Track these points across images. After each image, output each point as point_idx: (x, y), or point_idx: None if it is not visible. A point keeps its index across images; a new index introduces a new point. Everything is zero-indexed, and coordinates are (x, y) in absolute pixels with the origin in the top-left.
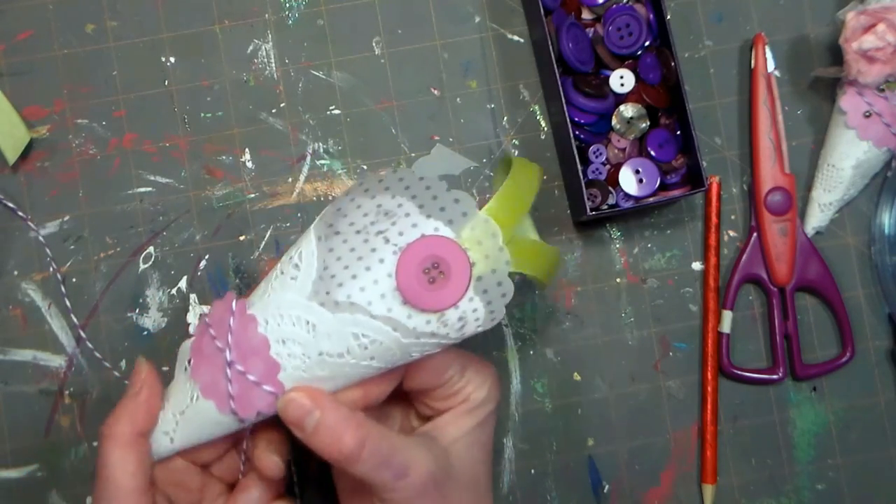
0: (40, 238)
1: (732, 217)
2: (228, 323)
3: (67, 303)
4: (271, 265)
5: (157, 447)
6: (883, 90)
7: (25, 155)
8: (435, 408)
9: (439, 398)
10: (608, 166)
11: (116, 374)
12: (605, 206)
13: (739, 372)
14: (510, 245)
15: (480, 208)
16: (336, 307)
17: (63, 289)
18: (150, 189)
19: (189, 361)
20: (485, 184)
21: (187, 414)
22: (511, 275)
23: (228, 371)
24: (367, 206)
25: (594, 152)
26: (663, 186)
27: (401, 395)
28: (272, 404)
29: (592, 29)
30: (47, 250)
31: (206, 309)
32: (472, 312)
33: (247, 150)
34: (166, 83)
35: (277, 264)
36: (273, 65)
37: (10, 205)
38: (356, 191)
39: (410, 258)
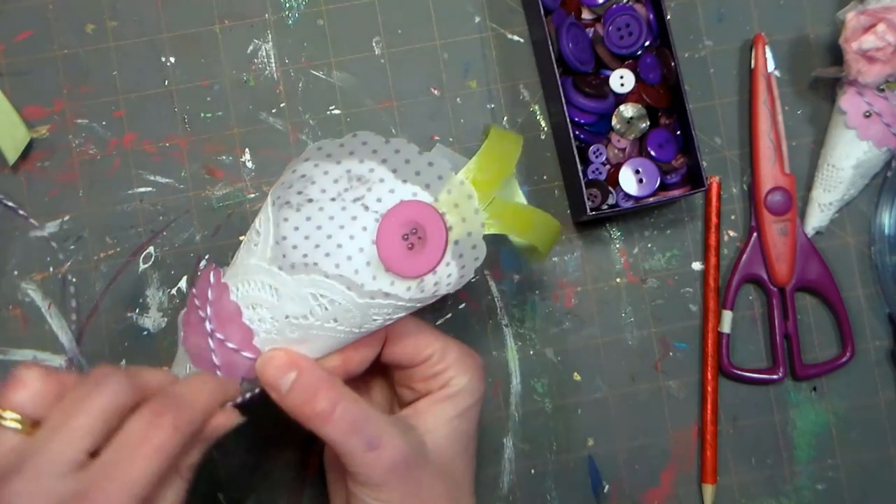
0: (45, 234)
1: (732, 217)
2: (208, 293)
3: (74, 303)
4: None
5: None
6: (883, 90)
7: (25, 155)
8: (416, 390)
9: (419, 379)
10: (608, 166)
11: None
12: (605, 206)
13: (739, 372)
14: (491, 207)
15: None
16: (292, 269)
17: (73, 289)
18: (150, 189)
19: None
20: None
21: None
22: (505, 241)
23: (211, 341)
24: (335, 171)
25: (594, 152)
26: (663, 186)
27: (384, 380)
28: (252, 369)
29: (592, 29)
30: (53, 244)
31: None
32: (446, 277)
33: (247, 150)
34: (166, 83)
35: (247, 234)
36: (273, 65)
37: (10, 204)
38: (316, 156)
39: (390, 225)
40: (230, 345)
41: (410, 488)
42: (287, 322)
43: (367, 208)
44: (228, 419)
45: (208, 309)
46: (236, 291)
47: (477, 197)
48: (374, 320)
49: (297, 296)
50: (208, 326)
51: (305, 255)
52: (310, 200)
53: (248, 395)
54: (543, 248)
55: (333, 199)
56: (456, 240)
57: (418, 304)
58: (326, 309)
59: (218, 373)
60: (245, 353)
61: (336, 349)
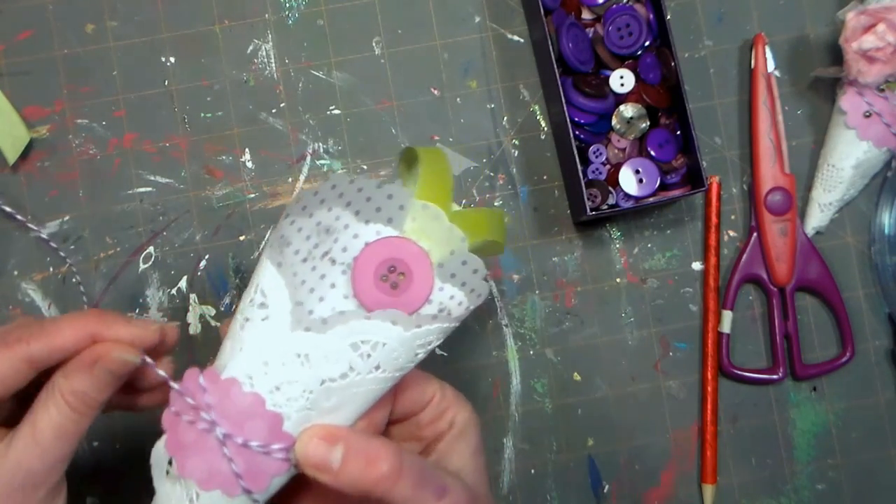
0: (43, 235)
1: (732, 217)
2: (204, 399)
3: (84, 299)
4: (224, 330)
5: None
6: (883, 90)
7: (25, 155)
8: (423, 437)
9: (426, 423)
10: (608, 166)
11: None
12: (605, 206)
13: (739, 372)
14: (455, 221)
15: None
16: (325, 325)
17: (82, 288)
18: (150, 189)
19: (170, 463)
20: (485, 184)
21: None
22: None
23: (226, 449)
24: (307, 227)
25: (594, 152)
26: (663, 186)
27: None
28: (286, 462)
29: (592, 29)
30: (52, 244)
31: (206, 309)
32: (449, 300)
33: (247, 150)
34: (166, 83)
35: (233, 322)
36: (273, 65)
37: (7, 209)
38: (295, 210)
39: (362, 271)
40: (254, 444)
41: None
42: (324, 389)
43: (333, 262)
44: (121, 350)
45: (211, 414)
46: (249, 381)
47: (444, 215)
48: (417, 355)
49: (334, 353)
50: (219, 433)
51: (322, 299)
52: (279, 265)
53: (263, 501)
54: (501, 239)
55: (304, 261)
56: (439, 262)
57: (457, 324)
58: (369, 356)
59: (241, 483)
60: (275, 447)
61: (368, 408)
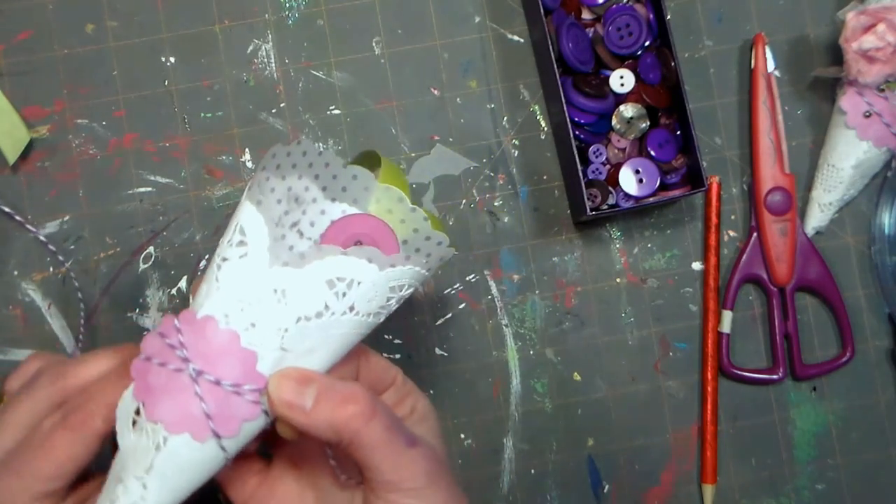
0: (42, 238)
1: (732, 217)
2: (178, 339)
3: (80, 295)
4: (195, 288)
5: None
6: (883, 90)
7: (25, 155)
8: None
9: (390, 405)
10: (608, 166)
11: None
12: (605, 206)
13: (739, 372)
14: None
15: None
16: (303, 259)
17: (80, 294)
18: (150, 189)
19: (138, 411)
20: (485, 184)
21: (156, 467)
22: None
23: (198, 387)
24: (280, 189)
25: (594, 152)
26: (663, 186)
27: None
28: (257, 405)
29: (592, 29)
30: (50, 247)
31: None
32: (414, 278)
33: (247, 150)
34: (166, 83)
35: (209, 267)
36: (273, 65)
37: (6, 209)
38: (270, 166)
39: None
40: (226, 383)
41: (451, 490)
42: (299, 327)
43: (301, 235)
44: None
45: (184, 352)
46: (225, 319)
47: (405, 196)
48: (390, 300)
49: (311, 288)
50: (192, 370)
51: (301, 234)
52: (259, 203)
53: (231, 456)
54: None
55: (277, 225)
56: (404, 239)
57: (428, 273)
58: (344, 294)
59: (211, 424)
60: (247, 387)
61: (341, 356)
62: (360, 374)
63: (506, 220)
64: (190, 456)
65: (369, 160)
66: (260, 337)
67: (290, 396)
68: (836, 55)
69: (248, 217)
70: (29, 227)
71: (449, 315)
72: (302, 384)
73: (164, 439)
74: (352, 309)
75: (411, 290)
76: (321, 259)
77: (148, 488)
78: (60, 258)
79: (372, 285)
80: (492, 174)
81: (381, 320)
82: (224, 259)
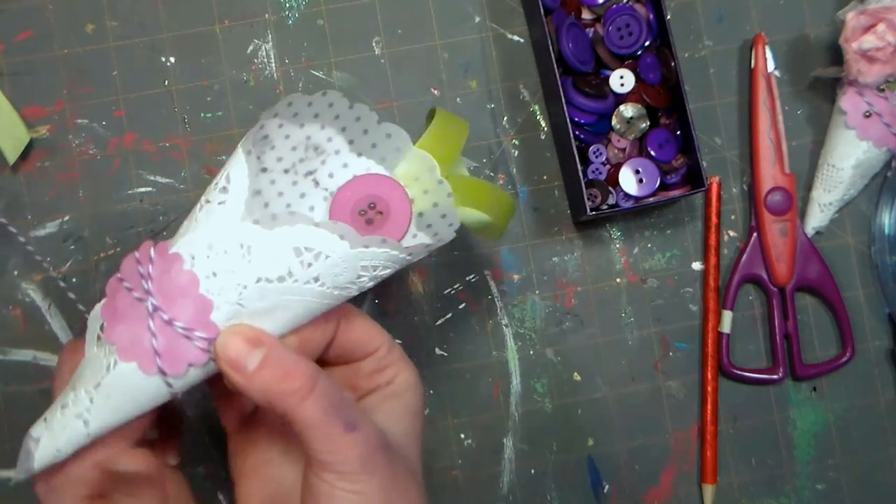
0: (28, 248)
1: (732, 217)
2: (147, 269)
3: (72, 294)
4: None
5: (70, 434)
6: (883, 90)
7: (25, 155)
8: (360, 388)
9: (364, 374)
10: (608, 166)
11: None
12: (605, 206)
13: (739, 372)
14: (452, 181)
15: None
16: (274, 221)
17: (72, 294)
18: (150, 189)
19: (102, 327)
20: None
21: (103, 386)
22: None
23: (152, 322)
24: (296, 137)
25: (594, 152)
26: (663, 186)
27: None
28: (205, 353)
29: (592, 29)
30: (37, 257)
31: None
32: (417, 251)
33: None
34: (166, 83)
35: (200, 201)
36: (273, 65)
37: (2, 220)
38: (285, 114)
39: (343, 202)
40: (178, 325)
41: (388, 477)
42: (258, 287)
43: (317, 184)
44: (132, 462)
45: (149, 283)
46: (191, 261)
47: (439, 168)
48: (360, 278)
49: (276, 252)
50: (150, 304)
51: (281, 193)
52: (263, 170)
53: (178, 391)
54: (501, 222)
55: (286, 171)
56: (420, 212)
57: (409, 258)
58: (310, 265)
59: (158, 360)
60: (197, 333)
61: (303, 322)
62: (336, 339)
63: (511, 206)
64: (136, 384)
65: (431, 117)
66: (219, 287)
67: (234, 355)
68: (836, 55)
69: (237, 166)
70: (20, 238)
71: (449, 315)
72: (250, 345)
73: (114, 362)
74: (317, 280)
75: (389, 271)
76: (292, 226)
77: (94, 403)
78: (45, 264)
79: (340, 260)
80: (492, 174)
81: (353, 294)
82: (207, 201)
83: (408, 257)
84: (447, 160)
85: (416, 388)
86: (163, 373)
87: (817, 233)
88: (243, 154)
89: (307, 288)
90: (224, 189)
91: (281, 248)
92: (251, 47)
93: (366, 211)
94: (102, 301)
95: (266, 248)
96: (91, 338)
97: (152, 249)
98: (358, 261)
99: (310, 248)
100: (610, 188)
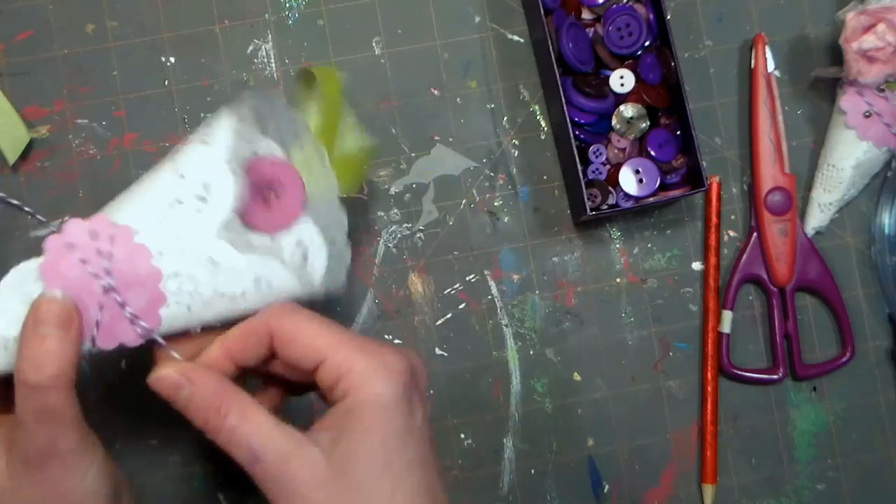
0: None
1: (732, 217)
2: (108, 248)
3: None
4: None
5: None
6: (883, 90)
7: (25, 155)
8: (333, 402)
9: (323, 388)
10: (608, 166)
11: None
12: (605, 206)
13: (739, 372)
14: (335, 164)
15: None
16: (248, 248)
17: None
18: None
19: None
20: (485, 184)
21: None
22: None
23: (103, 297)
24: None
25: (594, 152)
26: (663, 186)
27: None
28: (139, 339)
29: (592, 29)
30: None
31: None
32: (310, 240)
33: None
34: (166, 83)
35: (161, 173)
36: (273, 65)
37: (14, 202)
38: (247, 118)
39: (246, 179)
40: (128, 311)
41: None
42: (211, 299)
43: (235, 172)
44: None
45: (109, 263)
46: (159, 257)
47: (327, 156)
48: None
49: (239, 275)
50: (107, 283)
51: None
52: (231, 166)
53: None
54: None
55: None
56: (310, 194)
57: (305, 283)
58: (266, 288)
59: (94, 332)
60: (142, 322)
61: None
62: (280, 347)
63: (506, 220)
64: None
65: (310, 78)
66: (176, 287)
67: (166, 395)
68: (836, 55)
69: (221, 181)
70: (39, 217)
71: (449, 315)
72: (179, 386)
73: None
74: (264, 302)
75: (292, 294)
76: (262, 257)
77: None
78: None
79: (288, 294)
80: (492, 174)
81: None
82: (179, 201)
83: (307, 283)
84: (335, 137)
85: (382, 408)
86: (92, 343)
87: (817, 233)
88: (231, 173)
89: (255, 307)
90: (203, 199)
91: (245, 272)
92: (251, 47)
93: (264, 190)
94: (41, 260)
95: (232, 268)
96: (13, 290)
97: (112, 229)
98: (301, 296)
99: (269, 280)
100: (610, 188)
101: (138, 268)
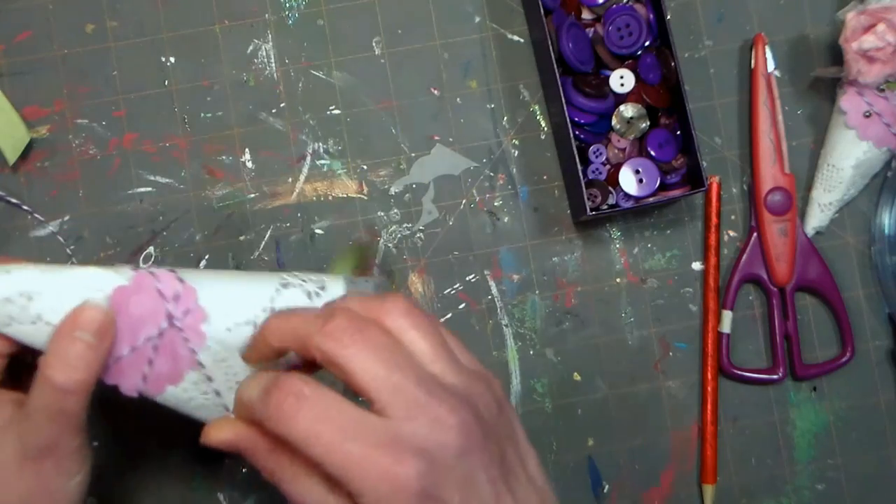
0: (45, 234)
1: (732, 217)
2: (178, 315)
3: None
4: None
5: None
6: (883, 90)
7: (25, 155)
8: None
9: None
10: (608, 166)
11: None
12: (605, 206)
13: (739, 372)
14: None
15: None
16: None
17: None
18: (150, 189)
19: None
20: (485, 184)
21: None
22: None
23: (141, 343)
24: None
25: (594, 152)
26: (663, 186)
27: None
28: (134, 391)
29: (592, 29)
30: (60, 238)
31: None
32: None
33: (247, 150)
34: (166, 83)
35: (266, 282)
36: (273, 65)
37: (13, 200)
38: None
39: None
40: (146, 367)
41: None
42: (214, 406)
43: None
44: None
45: (166, 324)
46: (204, 351)
47: None
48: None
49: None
50: (155, 340)
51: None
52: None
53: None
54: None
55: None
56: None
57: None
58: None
59: (151, 365)
60: (193, 347)
61: None
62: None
63: (506, 220)
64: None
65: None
66: (194, 380)
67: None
68: (836, 55)
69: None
70: (38, 215)
71: (449, 315)
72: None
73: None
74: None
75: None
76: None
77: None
78: (69, 251)
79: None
80: (492, 174)
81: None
82: (249, 322)
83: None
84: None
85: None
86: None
87: (817, 233)
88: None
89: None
90: (230, 328)
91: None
92: (251, 47)
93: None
94: (124, 281)
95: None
96: (81, 285)
97: (192, 302)
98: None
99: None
100: (610, 188)
101: (182, 347)
